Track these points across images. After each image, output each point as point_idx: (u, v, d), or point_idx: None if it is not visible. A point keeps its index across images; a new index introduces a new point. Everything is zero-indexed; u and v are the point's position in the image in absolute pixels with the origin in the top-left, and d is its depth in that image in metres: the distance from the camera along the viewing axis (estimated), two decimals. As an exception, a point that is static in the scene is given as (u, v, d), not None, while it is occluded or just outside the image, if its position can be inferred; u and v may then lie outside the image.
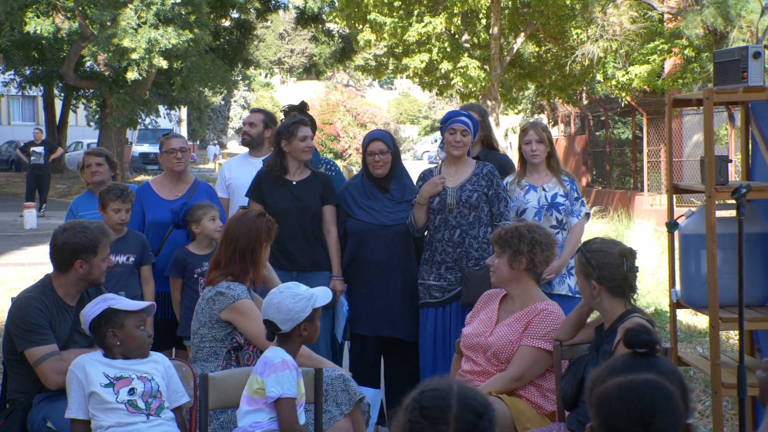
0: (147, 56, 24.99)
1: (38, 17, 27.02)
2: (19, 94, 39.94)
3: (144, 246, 6.61)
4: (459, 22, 23.45)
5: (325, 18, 36.20)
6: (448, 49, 23.33)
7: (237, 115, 76.38)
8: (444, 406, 2.52)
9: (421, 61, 23.31)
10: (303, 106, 7.39)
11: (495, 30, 23.20)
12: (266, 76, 79.65)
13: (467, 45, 24.50)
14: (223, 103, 72.00)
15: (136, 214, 6.69)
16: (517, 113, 37.21)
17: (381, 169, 6.67)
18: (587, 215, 6.73)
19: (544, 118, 36.27)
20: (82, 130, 44.87)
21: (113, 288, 6.23)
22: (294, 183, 6.70)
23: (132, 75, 25.64)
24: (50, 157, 25.01)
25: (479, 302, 5.51)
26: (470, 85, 23.33)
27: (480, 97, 23.74)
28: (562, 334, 4.98)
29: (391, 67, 26.40)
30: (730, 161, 5.60)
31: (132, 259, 6.54)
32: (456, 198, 6.44)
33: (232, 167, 7.76)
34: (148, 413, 4.41)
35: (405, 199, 6.69)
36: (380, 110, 55.26)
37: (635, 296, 4.69)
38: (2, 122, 52.39)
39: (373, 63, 28.45)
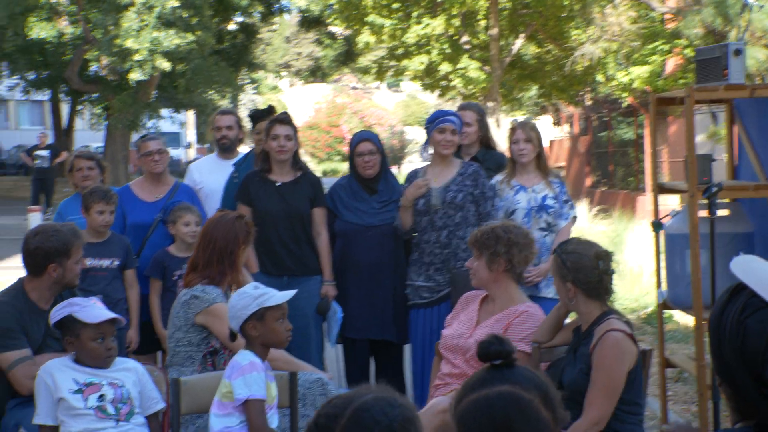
0: (150, 58, 25.00)
1: (40, 22, 27.06)
2: (25, 98, 39.97)
3: (128, 249, 6.56)
4: (458, 23, 23.38)
5: (322, 20, 36.19)
6: (448, 51, 23.27)
7: (246, 119, 76.20)
8: (336, 415, 2.38)
9: (421, 63, 23.25)
10: (270, 111, 7.23)
11: (494, 31, 23.12)
12: (274, 79, 79.65)
13: (467, 46, 24.42)
14: (231, 106, 72.01)
15: (116, 217, 6.61)
16: (524, 114, 37.14)
17: (371, 169, 6.61)
18: (575, 218, 6.67)
19: (549, 119, 36.20)
20: (89, 134, 44.86)
21: (99, 292, 6.19)
22: (280, 185, 6.61)
23: (135, 76, 25.63)
24: (55, 161, 25.00)
25: (459, 303, 5.44)
26: (470, 87, 23.25)
27: (481, 98, 23.65)
28: (541, 336, 4.91)
29: (391, 69, 26.34)
30: (714, 160, 5.53)
31: (116, 262, 6.49)
32: (441, 199, 6.39)
33: (203, 171, 7.56)
34: (118, 419, 4.34)
35: (392, 200, 6.64)
36: (387, 112, 55.25)
37: (612, 298, 4.62)
38: (10, 126, 52.44)
39: (374, 65, 28.36)
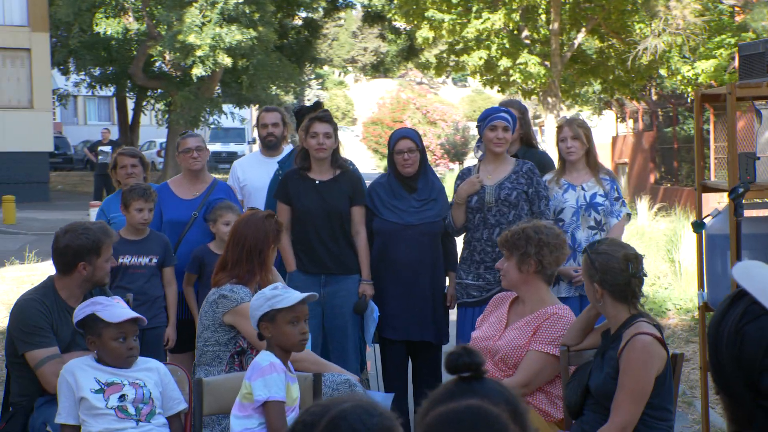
0: (212, 53, 25.22)
1: (107, 18, 27.45)
2: (90, 93, 40.51)
3: (166, 247, 6.56)
4: (518, 17, 23.19)
5: (385, 15, 36.15)
6: (507, 46, 23.09)
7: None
8: (313, 423, 2.30)
9: (480, 58, 23.10)
10: (317, 107, 7.15)
11: (555, 25, 22.90)
12: (339, 75, 79.93)
13: (527, 41, 24.20)
14: (296, 101, 72.29)
15: (154, 214, 6.62)
16: (588, 109, 36.77)
17: (410, 167, 6.53)
18: (628, 216, 6.54)
19: (613, 115, 35.74)
20: (154, 130, 45.36)
21: (137, 290, 6.21)
22: (319, 183, 6.55)
23: (197, 71, 25.88)
24: (116, 157, 25.25)
25: (490, 305, 5.35)
26: (530, 82, 23.05)
27: (541, 93, 23.43)
28: (570, 338, 4.80)
29: (451, 64, 26.22)
30: (758, 158, 5.37)
31: (155, 260, 6.49)
32: (495, 196, 6.29)
33: (246, 168, 7.55)
34: (138, 419, 4.33)
35: (432, 198, 6.55)
36: (452, 107, 54.99)
37: (641, 302, 4.49)
38: (79, 122, 53.22)
39: (433, 60, 28.23)
